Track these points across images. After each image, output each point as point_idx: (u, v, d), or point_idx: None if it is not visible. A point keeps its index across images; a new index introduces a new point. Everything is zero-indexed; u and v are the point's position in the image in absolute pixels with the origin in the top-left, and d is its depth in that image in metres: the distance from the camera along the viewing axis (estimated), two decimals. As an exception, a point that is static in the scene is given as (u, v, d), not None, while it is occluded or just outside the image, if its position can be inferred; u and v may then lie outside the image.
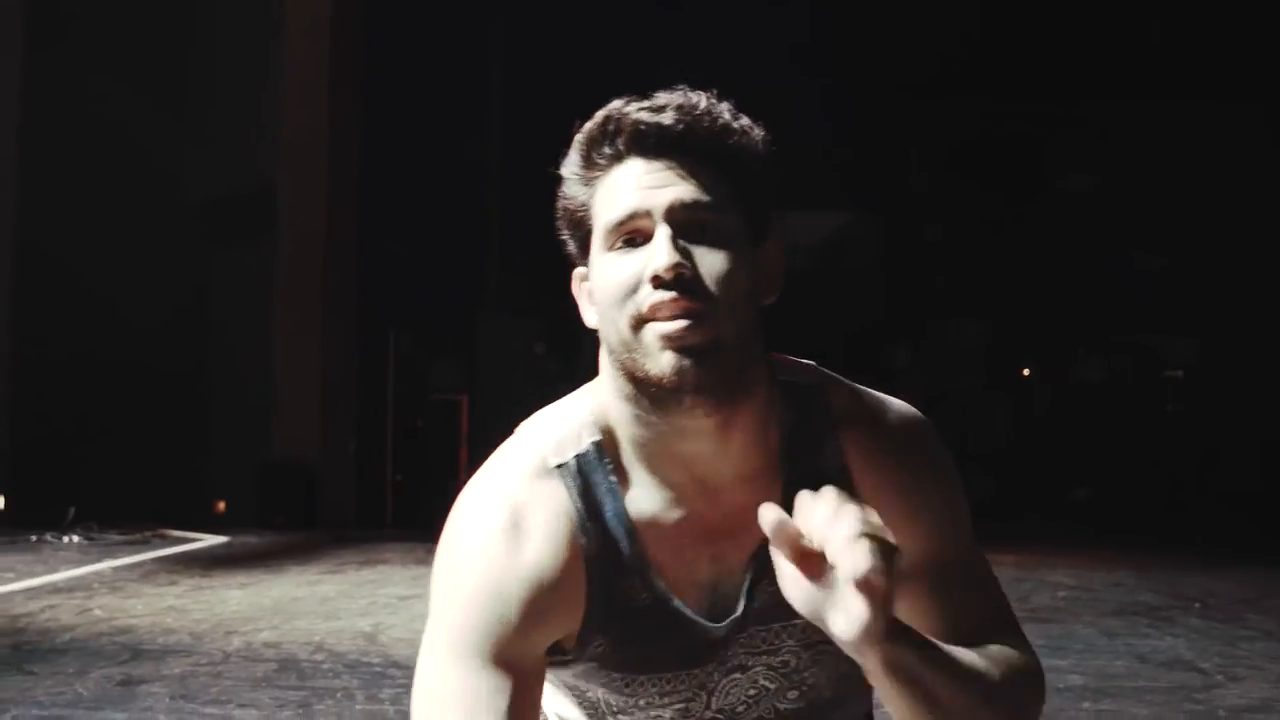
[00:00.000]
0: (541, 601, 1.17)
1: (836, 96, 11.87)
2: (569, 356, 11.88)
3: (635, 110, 1.17)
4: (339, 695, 3.44)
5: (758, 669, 1.22)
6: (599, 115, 1.19)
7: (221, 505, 10.46)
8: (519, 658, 1.16)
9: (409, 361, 10.64)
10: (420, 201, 10.79)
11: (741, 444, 1.18)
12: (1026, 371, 13.30)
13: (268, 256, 10.11)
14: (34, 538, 8.21)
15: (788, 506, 1.03)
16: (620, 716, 1.24)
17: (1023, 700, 1.17)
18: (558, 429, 1.23)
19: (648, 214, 1.15)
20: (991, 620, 1.21)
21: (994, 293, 12.90)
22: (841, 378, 1.29)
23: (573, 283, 1.26)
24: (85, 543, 8.13)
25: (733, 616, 1.20)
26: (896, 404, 1.29)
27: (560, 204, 1.23)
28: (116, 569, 6.62)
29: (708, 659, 1.21)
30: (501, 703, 1.14)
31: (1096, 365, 13.06)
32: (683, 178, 1.15)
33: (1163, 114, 11.63)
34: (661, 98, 1.18)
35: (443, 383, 10.96)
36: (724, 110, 1.19)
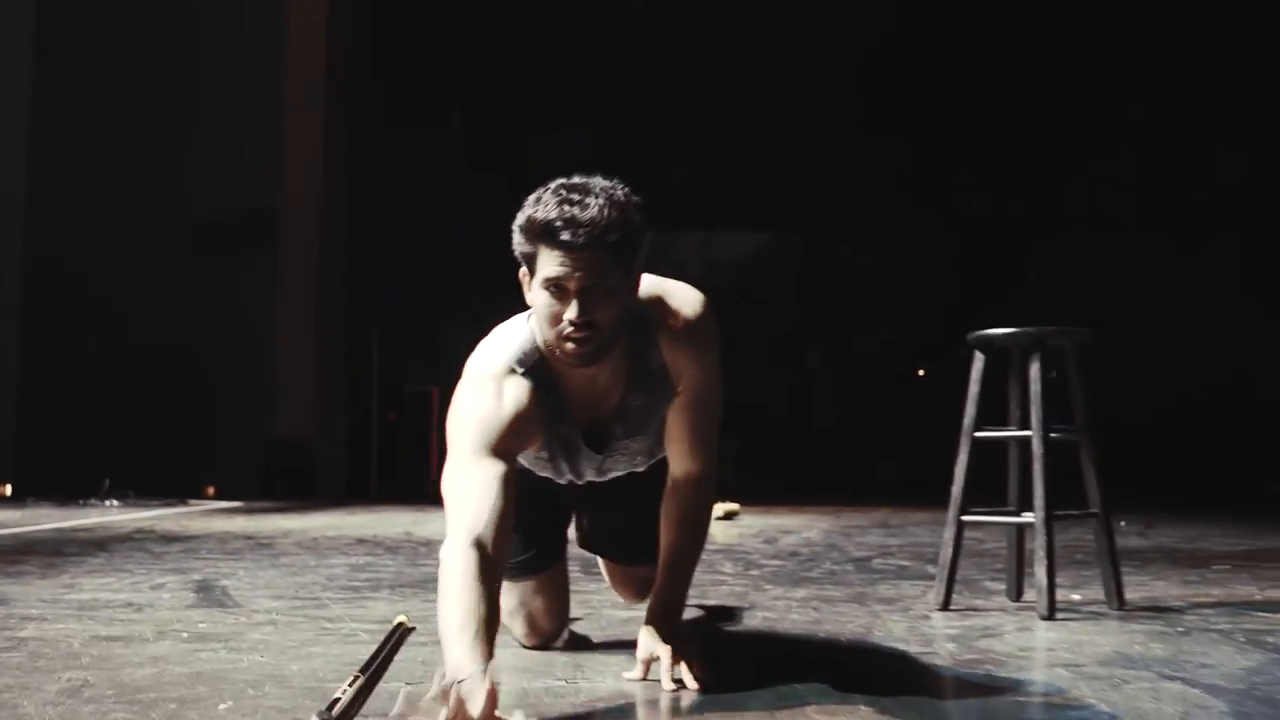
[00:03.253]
0: (517, 429, 2.13)
1: (761, 131, 13.76)
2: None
3: (560, 221, 1.98)
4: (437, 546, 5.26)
5: (617, 458, 2.35)
6: (539, 215, 2.00)
7: (211, 490, 11.78)
8: (504, 453, 2.09)
9: (388, 359, 12.37)
10: (397, 225, 12.63)
11: (609, 367, 2.15)
12: (922, 371, 15.24)
13: (265, 268, 11.78)
14: (80, 503, 9.79)
15: (631, 386, 2.20)
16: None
17: (703, 514, 2.34)
18: (516, 346, 2.16)
19: (568, 281, 2.00)
20: (702, 437, 2.27)
21: (895, 303, 14.76)
22: (660, 287, 2.22)
23: (521, 275, 2.11)
24: (123, 506, 9.71)
25: (605, 446, 2.30)
26: (687, 301, 2.22)
27: (515, 244, 2.06)
28: (202, 512, 8.32)
29: (594, 461, 2.33)
30: (494, 473, 2.06)
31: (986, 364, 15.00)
32: (588, 262, 1.99)
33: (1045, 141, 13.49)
34: (578, 207, 1.99)
35: (416, 378, 12.72)
36: (618, 211, 2.01)
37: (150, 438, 11.65)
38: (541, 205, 2.02)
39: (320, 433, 11.47)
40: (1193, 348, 12.84)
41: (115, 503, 9.88)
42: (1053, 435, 3.24)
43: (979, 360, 3.38)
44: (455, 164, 13.86)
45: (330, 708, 1.83)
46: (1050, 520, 3.15)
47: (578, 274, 1.99)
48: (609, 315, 2.03)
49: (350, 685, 1.99)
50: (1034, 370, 3.24)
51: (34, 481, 10.65)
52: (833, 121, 13.97)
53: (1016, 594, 3.49)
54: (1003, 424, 3.45)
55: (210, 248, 12.24)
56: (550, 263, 2.00)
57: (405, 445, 12.26)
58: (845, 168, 14.37)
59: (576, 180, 2.06)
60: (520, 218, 2.04)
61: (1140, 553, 5.26)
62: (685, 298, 2.24)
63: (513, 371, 2.13)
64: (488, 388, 2.13)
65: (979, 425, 3.38)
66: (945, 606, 3.31)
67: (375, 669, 2.22)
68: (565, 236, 1.98)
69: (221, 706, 1.98)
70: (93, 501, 9.91)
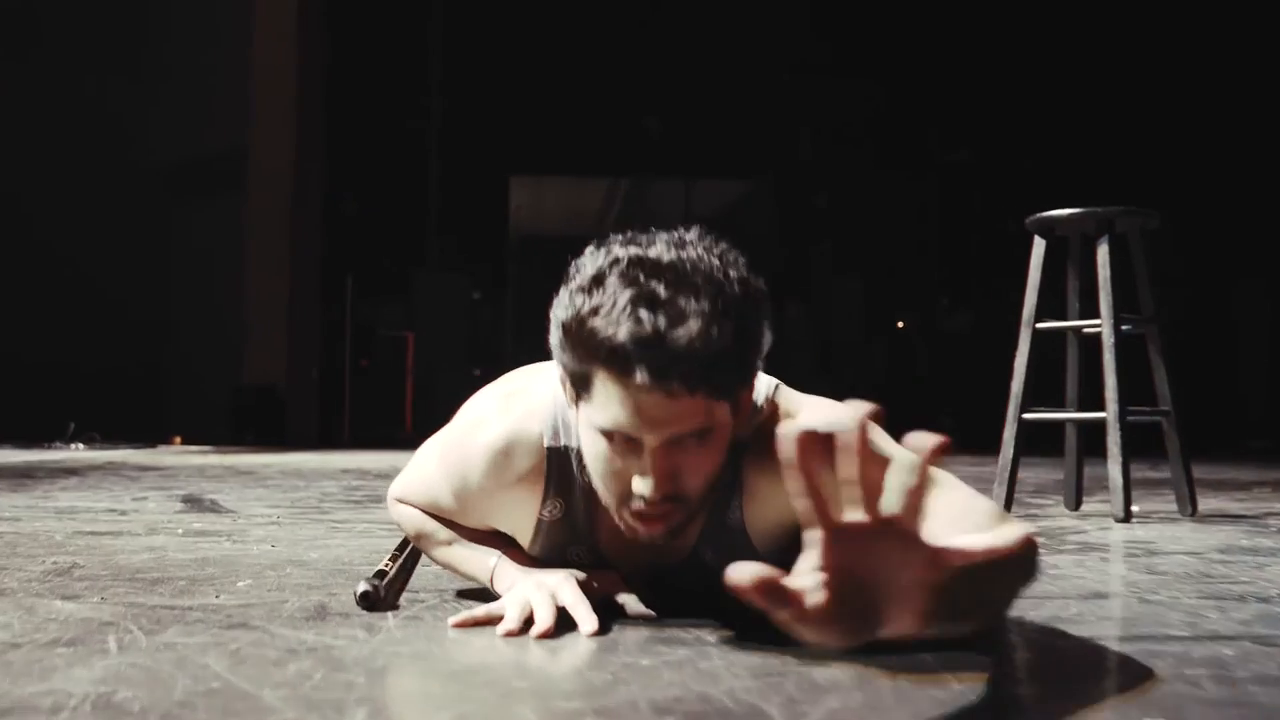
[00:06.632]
0: (489, 522, 1.49)
1: (739, 78, 13.44)
2: (499, 304, 13.39)
3: (634, 345, 1.16)
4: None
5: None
6: (601, 328, 1.18)
7: (178, 439, 11.47)
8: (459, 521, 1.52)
9: (363, 304, 12.02)
10: (374, 170, 12.29)
11: None
12: (901, 324, 15.01)
13: (238, 210, 11.39)
14: (45, 445, 9.43)
15: (704, 540, 1.37)
16: None
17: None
18: (553, 414, 1.38)
19: (642, 434, 1.20)
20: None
21: (873, 252, 14.53)
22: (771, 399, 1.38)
23: (560, 380, 1.30)
24: (89, 448, 9.37)
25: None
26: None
27: (554, 344, 1.25)
28: (174, 451, 7.98)
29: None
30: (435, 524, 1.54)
31: (962, 317, 14.85)
32: (679, 412, 1.18)
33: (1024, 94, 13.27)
34: (664, 315, 1.16)
35: (391, 322, 12.38)
36: (731, 323, 1.18)
37: (114, 385, 11.31)
38: (605, 303, 1.19)
39: (292, 378, 11.11)
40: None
41: (81, 446, 9.53)
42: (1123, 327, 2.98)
43: (1039, 245, 3.11)
44: (433, 106, 13.47)
45: (379, 576, 1.54)
46: (1124, 415, 2.90)
47: (659, 430, 1.21)
48: (701, 480, 1.26)
49: (392, 560, 1.70)
50: (1102, 255, 2.98)
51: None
52: (809, 67, 13.68)
53: (1075, 503, 3.25)
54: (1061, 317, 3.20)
55: (180, 190, 11.89)
56: (615, 403, 1.20)
57: (379, 391, 11.93)
58: (821, 114, 14.10)
59: (661, 254, 1.22)
60: (564, 310, 1.23)
61: (1167, 482, 5.03)
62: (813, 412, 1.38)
63: (544, 449, 1.40)
64: (493, 463, 1.40)
65: (1039, 316, 3.12)
66: (1007, 509, 3.05)
67: (413, 549, 1.95)
68: (643, 378, 1.17)
69: (240, 584, 1.69)
70: (57, 444, 9.56)
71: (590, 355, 1.19)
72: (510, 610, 1.31)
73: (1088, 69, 12.76)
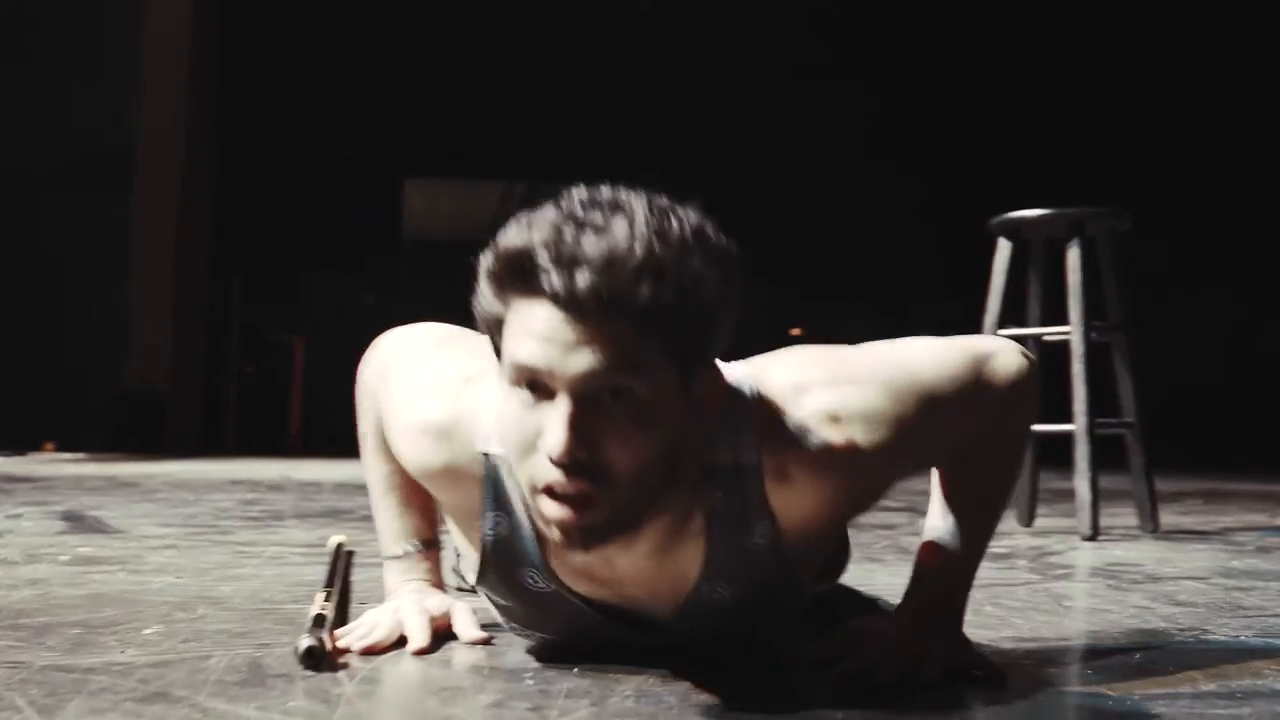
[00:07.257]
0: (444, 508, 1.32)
1: (648, 78, 13.25)
2: (392, 308, 13.02)
3: (544, 250, 1.01)
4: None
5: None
6: (515, 240, 1.03)
7: (50, 446, 10.91)
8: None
9: (250, 307, 11.56)
10: (266, 171, 11.86)
11: (649, 543, 1.14)
12: (798, 330, 14.96)
13: (122, 209, 10.87)
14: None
15: (712, 573, 1.16)
16: None
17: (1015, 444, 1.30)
18: (491, 420, 1.17)
19: (550, 375, 1.02)
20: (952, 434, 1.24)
21: (776, 260, 14.42)
22: (785, 384, 1.18)
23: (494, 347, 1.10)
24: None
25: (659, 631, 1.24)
26: (817, 441, 1.14)
27: (478, 300, 1.08)
28: (48, 460, 7.50)
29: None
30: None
31: (860, 327, 14.85)
32: (596, 340, 1.00)
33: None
34: (587, 230, 1.01)
35: (280, 326, 11.94)
36: (664, 245, 1.01)
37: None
38: (527, 223, 1.05)
39: (174, 382, 10.63)
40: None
41: (-55, 455, 8.97)
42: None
43: (1004, 248, 2.95)
44: (326, 108, 13.05)
45: (318, 623, 1.29)
46: (1093, 428, 2.74)
47: (572, 361, 1.01)
48: (627, 457, 1.03)
49: (327, 600, 1.45)
50: (1073, 258, 2.82)
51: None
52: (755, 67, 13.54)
53: (1029, 518, 3.09)
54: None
55: (62, 186, 11.31)
56: (522, 332, 1.04)
57: (265, 397, 11.49)
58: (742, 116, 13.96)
59: (606, 190, 1.07)
60: (490, 251, 1.07)
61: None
62: (811, 442, 1.15)
63: (485, 459, 1.20)
64: (429, 438, 1.24)
65: (1002, 323, 2.95)
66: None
67: (343, 586, 1.69)
68: (553, 283, 1.01)
69: (146, 631, 1.41)
70: (-83, 454, 8.99)
71: (503, 274, 1.04)
72: (363, 629, 1.34)
73: (1002, 69, 12.78)
